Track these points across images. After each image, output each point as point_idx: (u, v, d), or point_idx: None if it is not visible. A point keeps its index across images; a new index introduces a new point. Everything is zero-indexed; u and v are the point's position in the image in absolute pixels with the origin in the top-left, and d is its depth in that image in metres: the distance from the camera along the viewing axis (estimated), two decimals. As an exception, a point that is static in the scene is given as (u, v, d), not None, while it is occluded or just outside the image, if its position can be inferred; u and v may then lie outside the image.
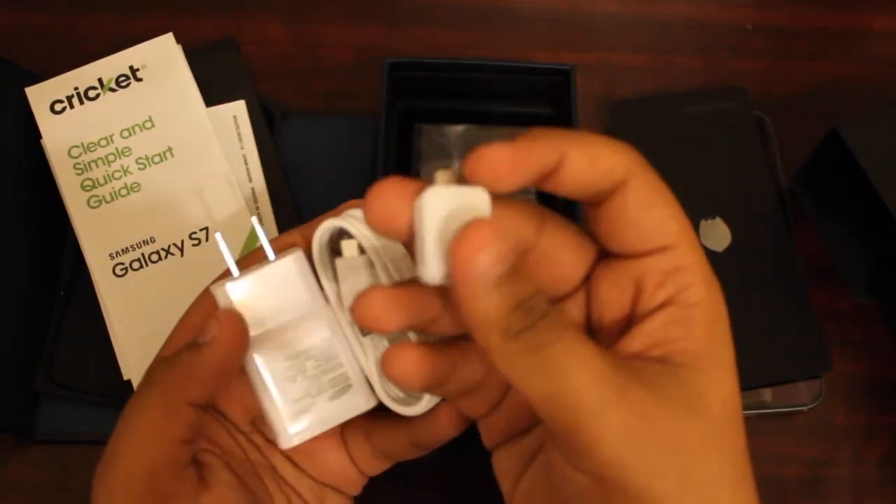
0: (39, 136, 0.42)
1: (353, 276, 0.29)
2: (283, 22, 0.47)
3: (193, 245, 0.40)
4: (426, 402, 0.29)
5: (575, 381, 0.22)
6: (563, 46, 0.49)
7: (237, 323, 0.28)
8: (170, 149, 0.42)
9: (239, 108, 0.44)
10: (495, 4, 0.50)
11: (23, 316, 0.40)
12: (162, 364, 0.29)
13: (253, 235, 0.40)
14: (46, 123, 0.42)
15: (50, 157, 0.42)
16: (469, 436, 0.39)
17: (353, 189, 0.44)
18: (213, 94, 0.44)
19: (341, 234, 0.29)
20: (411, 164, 0.42)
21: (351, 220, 0.28)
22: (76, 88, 0.43)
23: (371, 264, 0.28)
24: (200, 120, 0.43)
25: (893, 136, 0.40)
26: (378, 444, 0.32)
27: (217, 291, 0.29)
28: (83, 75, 0.43)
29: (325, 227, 0.29)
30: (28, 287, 0.40)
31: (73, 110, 0.43)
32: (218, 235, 0.30)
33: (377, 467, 0.33)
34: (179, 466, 0.28)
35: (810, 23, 0.49)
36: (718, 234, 0.42)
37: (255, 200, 0.42)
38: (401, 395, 0.30)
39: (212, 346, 0.28)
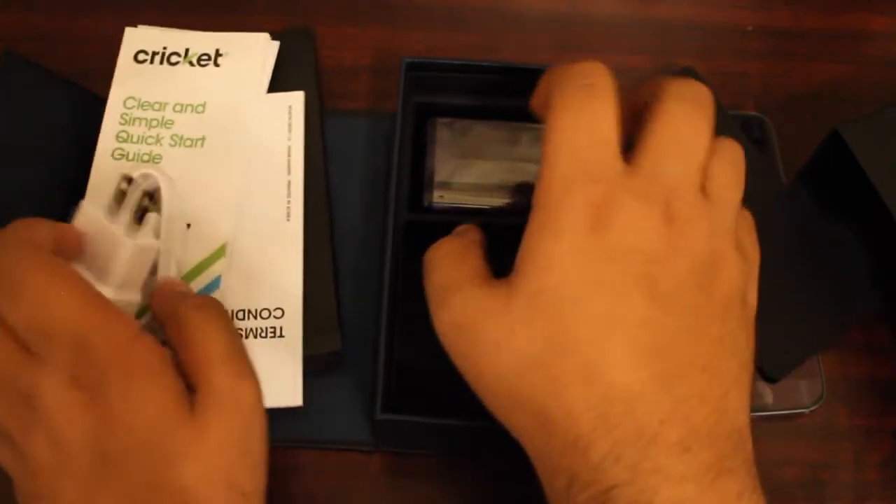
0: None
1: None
2: (283, 22, 0.47)
3: None
4: None
5: None
6: (563, 47, 0.49)
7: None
8: (203, 139, 0.42)
9: (296, 98, 0.43)
10: (495, 6, 0.50)
11: None
12: None
13: (217, 253, 0.39)
14: (124, 68, 0.43)
15: (109, 99, 0.42)
16: (469, 437, 0.39)
17: (350, 189, 0.44)
18: (276, 80, 0.43)
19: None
20: (424, 160, 0.42)
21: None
22: (164, 48, 0.43)
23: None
24: (249, 131, 0.42)
25: (895, 137, 0.40)
26: None
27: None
28: (175, 39, 0.44)
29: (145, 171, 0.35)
30: None
31: (151, 66, 0.43)
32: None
33: None
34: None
35: (811, 24, 0.49)
36: None
37: (289, 194, 0.41)
38: None
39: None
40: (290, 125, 0.43)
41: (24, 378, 0.29)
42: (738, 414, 0.28)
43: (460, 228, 0.35)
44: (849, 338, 0.43)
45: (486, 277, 0.31)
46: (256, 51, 0.44)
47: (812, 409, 0.41)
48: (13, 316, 0.29)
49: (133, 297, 0.34)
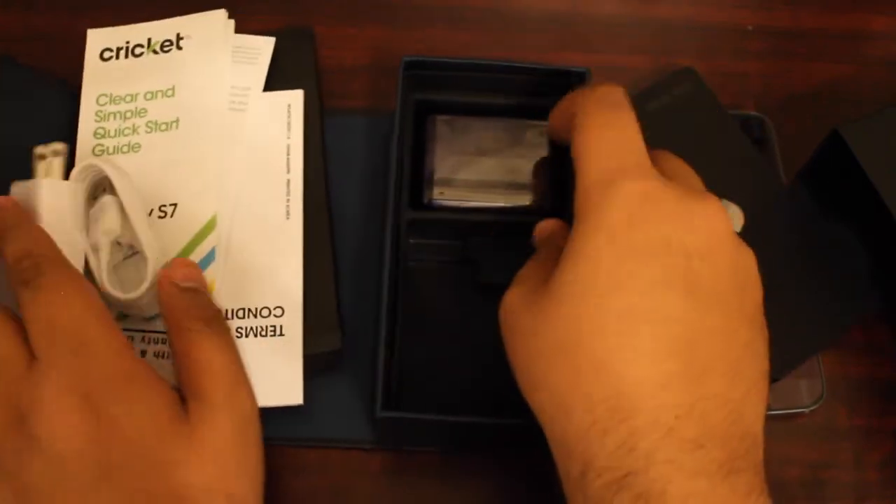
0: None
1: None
2: (283, 22, 0.47)
3: (159, 217, 0.40)
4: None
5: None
6: (563, 47, 0.49)
7: None
8: (177, 120, 0.42)
9: (296, 97, 0.43)
10: (495, 6, 0.50)
11: None
12: None
13: (209, 226, 0.39)
14: (92, 69, 0.43)
15: (81, 100, 0.43)
16: (470, 434, 0.39)
17: (350, 188, 0.44)
18: (275, 78, 0.44)
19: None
20: (424, 157, 0.42)
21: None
22: (127, 42, 0.44)
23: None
24: (217, 103, 0.42)
25: (895, 137, 0.40)
26: None
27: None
28: (137, 32, 0.44)
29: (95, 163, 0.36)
30: None
31: (117, 61, 0.43)
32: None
33: None
34: None
35: (811, 23, 0.49)
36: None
37: (289, 193, 0.41)
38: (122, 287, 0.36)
39: None
40: (289, 123, 0.43)
41: (23, 384, 0.29)
42: (755, 420, 0.29)
43: (550, 230, 0.36)
44: (849, 338, 0.43)
45: (546, 276, 0.32)
46: (216, 29, 0.44)
47: (812, 409, 0.41)
48: (31, 307, 0.30)
49: (80, 238, 0.36)
